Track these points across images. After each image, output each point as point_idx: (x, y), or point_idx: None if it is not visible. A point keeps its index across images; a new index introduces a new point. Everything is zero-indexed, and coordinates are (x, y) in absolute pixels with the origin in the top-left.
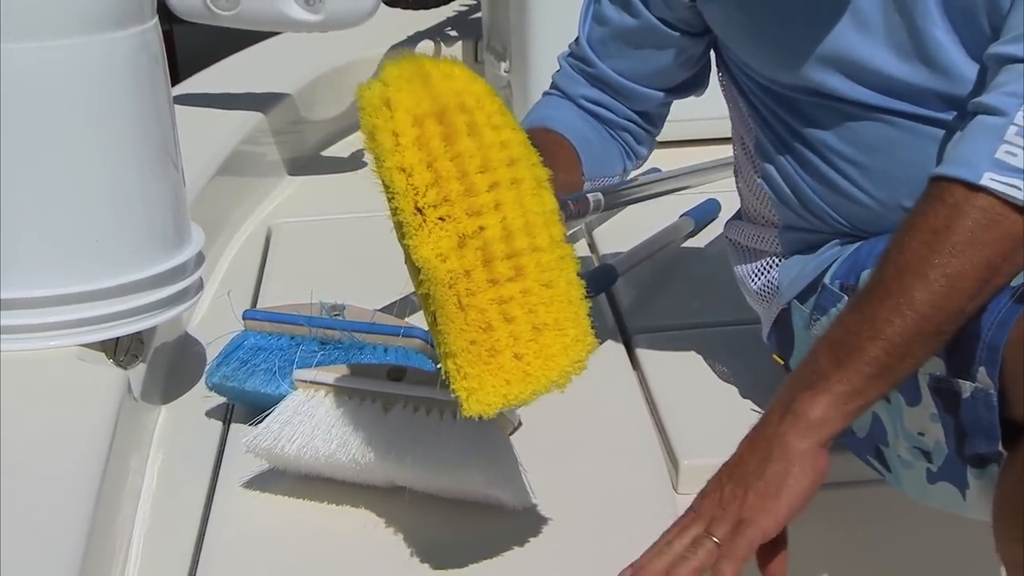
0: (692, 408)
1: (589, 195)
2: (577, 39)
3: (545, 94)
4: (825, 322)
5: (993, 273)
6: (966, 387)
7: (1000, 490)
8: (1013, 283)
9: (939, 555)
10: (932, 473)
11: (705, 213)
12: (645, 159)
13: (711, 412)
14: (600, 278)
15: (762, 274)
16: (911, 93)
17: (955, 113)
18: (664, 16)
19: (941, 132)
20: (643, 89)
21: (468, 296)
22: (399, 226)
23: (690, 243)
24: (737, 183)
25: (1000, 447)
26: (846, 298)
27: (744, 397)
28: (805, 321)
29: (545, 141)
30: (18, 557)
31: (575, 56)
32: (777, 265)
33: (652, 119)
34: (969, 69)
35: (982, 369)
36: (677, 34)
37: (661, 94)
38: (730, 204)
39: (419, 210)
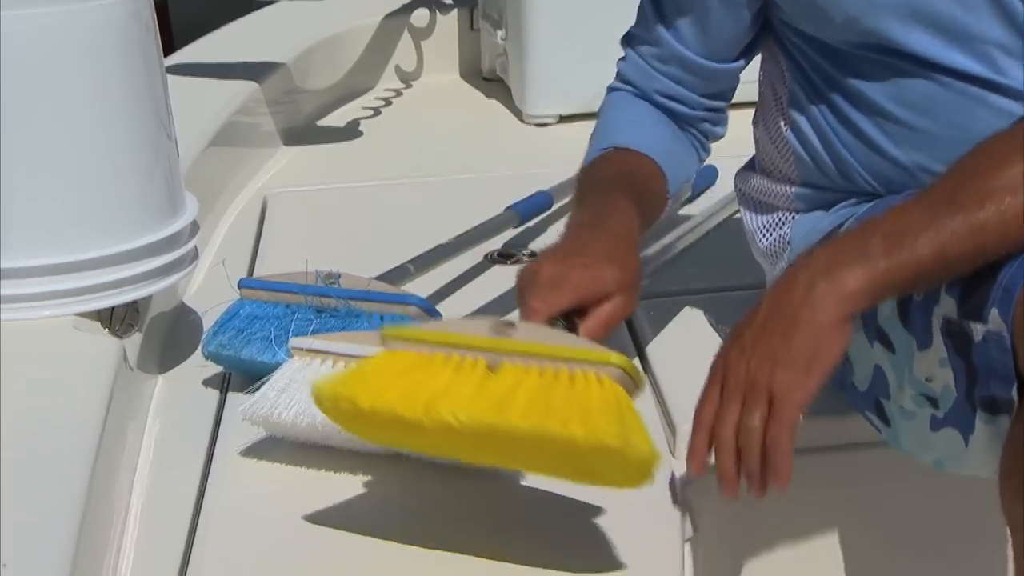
0: (689, 373)
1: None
2: (638, 23)
3: (613, 90)
4: None
5: None
6: (978, 329)
7: (1009, 446)
8: None
9: (938, 518)
10: (937, 420)
11: (704, 180)
12: (722, 137)
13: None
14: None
15: (773, 230)
16: (970, 43)
17: (1010, 76)
18: None
19: (989, 96)
20: (717, 65)
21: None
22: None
23: (691, 210)
24: (756, 134)
25: (1015, 393)
26: None
27: None
28: None
29: (632, 166)
30: (15, 527)
31: (644, 42)
32: (790, 221)
33: (725, 95)
34: None
35: (994, 311)
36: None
37: (739, 63)
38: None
39: None
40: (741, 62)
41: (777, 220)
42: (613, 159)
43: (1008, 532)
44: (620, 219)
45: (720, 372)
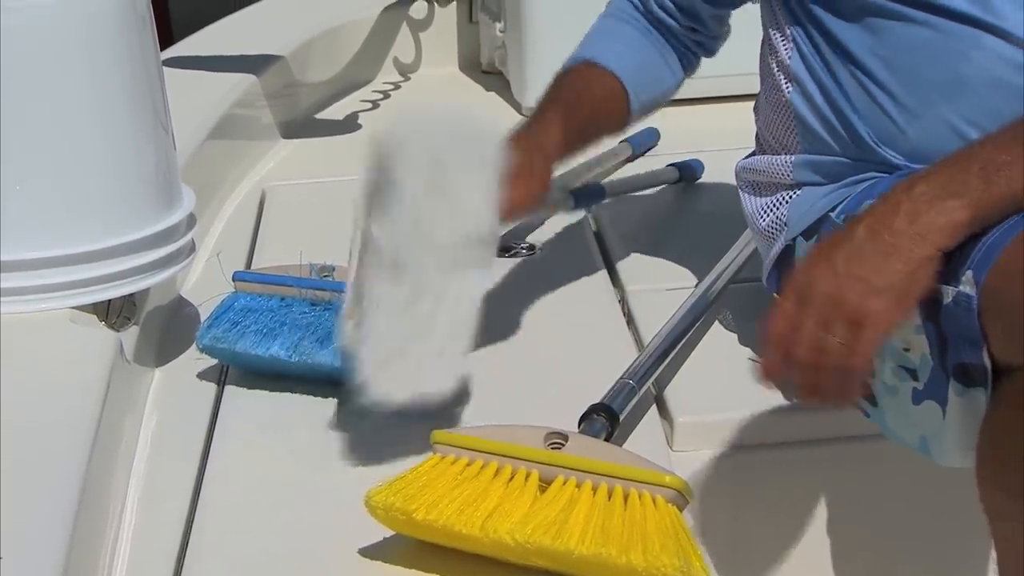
0: (687, 365)
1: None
2: None
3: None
4: None
5: None
6: (948, 292)
7: (985, 431)
8: None
9: (930, 511)
10: (918, 392)
11: (646, 141)
12: (714, 54)
13: (706, 369)
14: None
15: (772, 210)
16: None
17: (1007, 19)
18: None
19: (984, 38)
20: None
21: None
22: None
23: (687, 201)
24: (758, 115)
25: (985, 357)
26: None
27: (739, 354)
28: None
29: (593, 87)
30: (12, 519)
31: None
32: (787, 200)
33: (708, 27)
34: None
35: (968, 272)
36: None
37: (708, 6)
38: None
39: None
40: (709, 7)
41: (775, 201)
42: (576, 74)
43: (988, 521)
44: (544, 135)
45: (801, 288)
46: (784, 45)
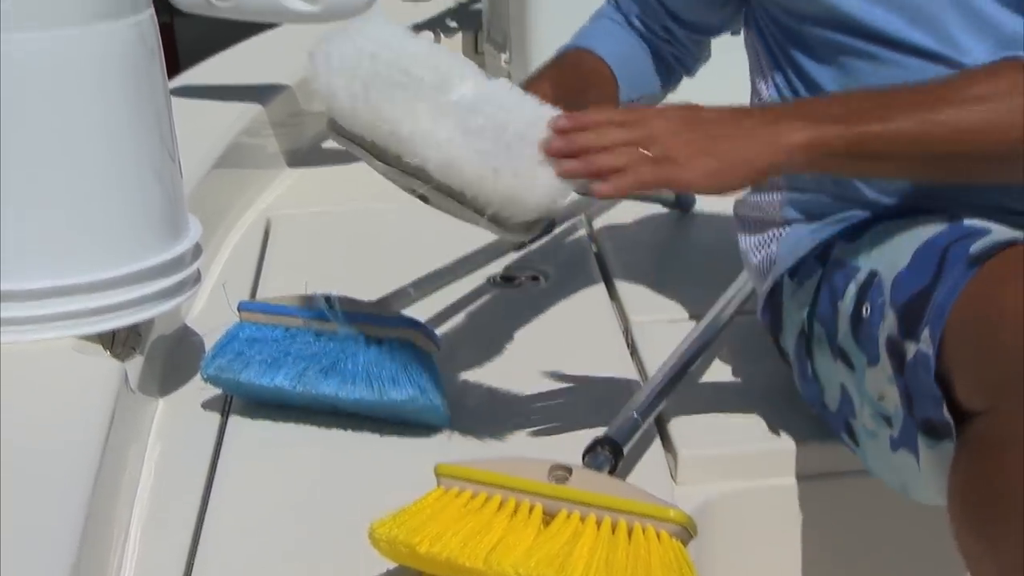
0: (691, 398)
1: None
2: None
3: (602, 9)
4: (801, 294)
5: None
6: (910, 348)
7: (953, 476)
8: (971, 250)
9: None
10: (894, 440)
11: None
12: (693, 72)
13: (710, 402)
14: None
15: (763, 247)
16: (932, 23)
17: (971, 55)
18: None
19: (947, 71)
20: (661, 10)
21: None
22: None
23: (690, 233)
24: None
25: (946, 413)
26: (821, 269)
27: (743, 388)
28: (790, 294)
29: (585, 66)
30: (15, 548)
31: None
32: (777, 238)
33: (685, 46)
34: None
35: (926, 331)
36: None
37: (673, 20)
38: None
39: None
40: (674, 24)
41: (766, 238)
42: (567, 54)
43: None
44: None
45: (631, 117)
46: (768, 91)
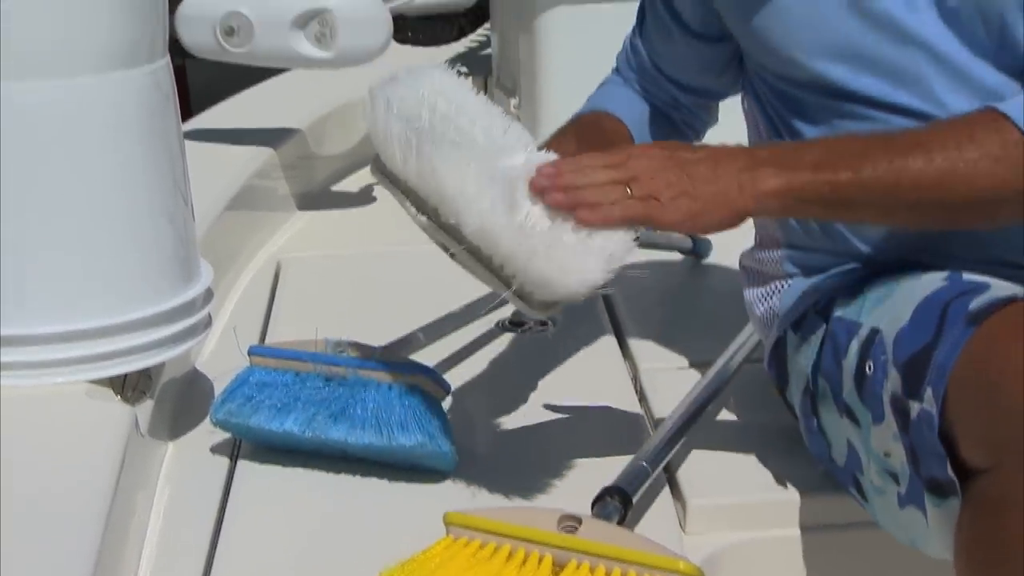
0: (701, 446)
1: None
2: (634, 26)
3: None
4: (805, 350)
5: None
6: (914, 407)
7: (957, 538)
8: (970, 307)
9: None
10: (901, 497)
11: None
12: (702, 132)
13: (720, 451)
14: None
15: (766, 300)
16: (916, 84)
17: (954, 108)
18: (688, 19)
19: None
20: (663, 79)
21: None
22: None
23: (699, 280)
24: None
25: (951, 472)
26: (825, 325)
27: (752, 437)
28: (794, 349)
29: (605, 126)
30: None
31: (631, 43)
32: (779, 291)
33: (691, 111)
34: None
35: (929, 390)
36: (698, 40)
37: (677, 87)
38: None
39: None
40: (676, 88)
41: (769, 291)
42: (586, 115)
43: None
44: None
45: (615, 158)
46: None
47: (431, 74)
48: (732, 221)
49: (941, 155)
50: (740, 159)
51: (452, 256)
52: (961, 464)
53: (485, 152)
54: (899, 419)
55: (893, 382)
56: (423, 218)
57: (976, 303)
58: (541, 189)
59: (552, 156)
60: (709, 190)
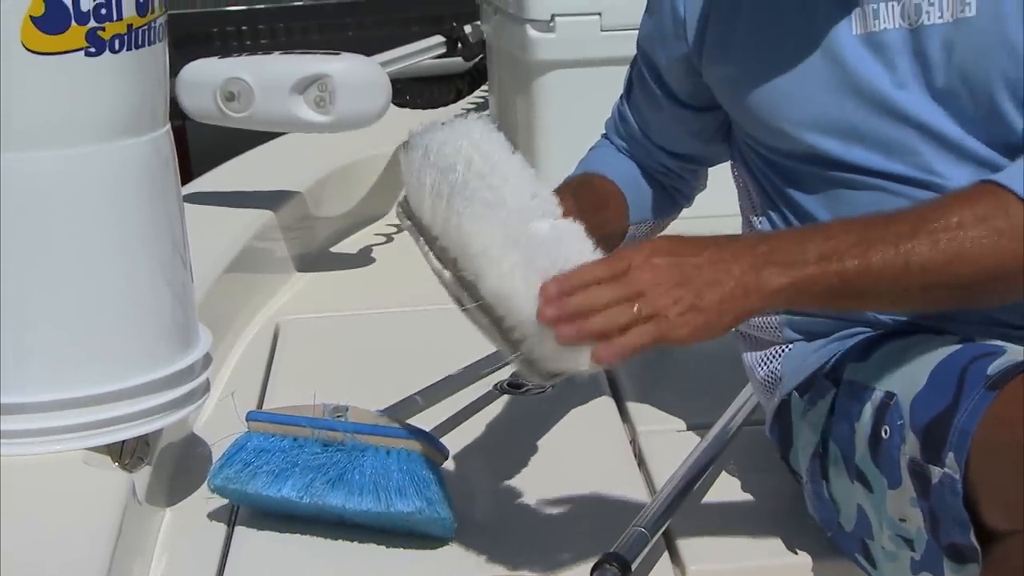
0: (700, 511)
1: None
2: (623, 92)
3: (598, 142)
4: (813, 414)
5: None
6: (935, 472)
7: None
8: (988, 371)
9: None
10: (915, 562)
11: None
12: (689, 202)
13: (718, 517)
14: None
15: (767, 363)
16: (911, 156)
17: (950, 177)
18: (676, 90)
19: (927, 194)
20: (652, 146)
21: None
22: None
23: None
24: None
25: (973, 539)
26: (835, 389)
27: (751, 502)
28: (800, 413)
29: (600, 187)
30: None
31: (619, 110)
32: (781, 354)
33: (680, 176)
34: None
35: (951, 455)
36: (687, 110)
37: (665, 154)
38: None
39: None
40: (666, 155)
41: (769, 355)
42: (579, 179)
43: None
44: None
45: (617, 269)
46: (759, 223)
47: (471, 128)
48: (741, 321)
49: (946, 236)
50: (744, 258)
51: (464, 310)
52: (980, 528)
53: (512, 215)
54: (917, 484)
55: (911, 446)
56: (441, 267)
57: (994, 367)
58: (549, 319)
59: (577, 226)
60: (715, 298)
